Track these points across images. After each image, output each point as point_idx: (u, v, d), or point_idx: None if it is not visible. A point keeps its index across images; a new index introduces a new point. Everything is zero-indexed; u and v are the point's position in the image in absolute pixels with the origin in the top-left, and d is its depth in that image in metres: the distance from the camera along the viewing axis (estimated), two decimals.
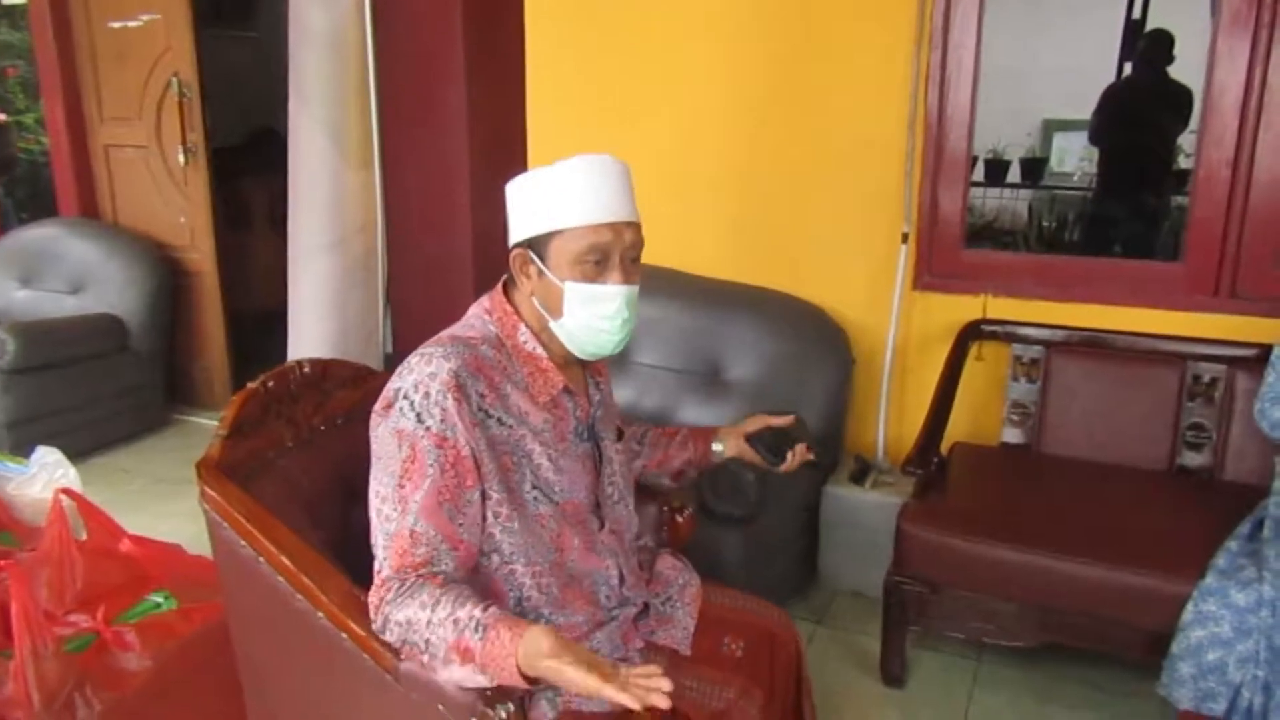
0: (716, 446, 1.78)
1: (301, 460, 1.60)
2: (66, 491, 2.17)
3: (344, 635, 1.34)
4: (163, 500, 3.50)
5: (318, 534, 1.50)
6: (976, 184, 5.01)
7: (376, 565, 1.33)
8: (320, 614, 1.36)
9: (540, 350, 1.46)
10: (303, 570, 1.37)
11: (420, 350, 1.39)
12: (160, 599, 2.08)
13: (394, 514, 1.32)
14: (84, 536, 2.14)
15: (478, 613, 1.21)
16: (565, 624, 1.46)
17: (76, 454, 2.94)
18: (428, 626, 1.23)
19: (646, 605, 1.61)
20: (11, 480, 2.43)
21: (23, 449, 2.66)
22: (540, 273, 1.41)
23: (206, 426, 4.28)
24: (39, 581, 1.97)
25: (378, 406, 1.40)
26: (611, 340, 1.44)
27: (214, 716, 1.84)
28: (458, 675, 1.24)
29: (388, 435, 1.35)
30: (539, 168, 1.43)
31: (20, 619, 1.78)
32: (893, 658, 2.48)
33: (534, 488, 1.43)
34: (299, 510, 1.52)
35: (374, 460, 1.38)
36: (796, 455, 1.73)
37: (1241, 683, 1.99)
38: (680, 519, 1.85)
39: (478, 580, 1.40)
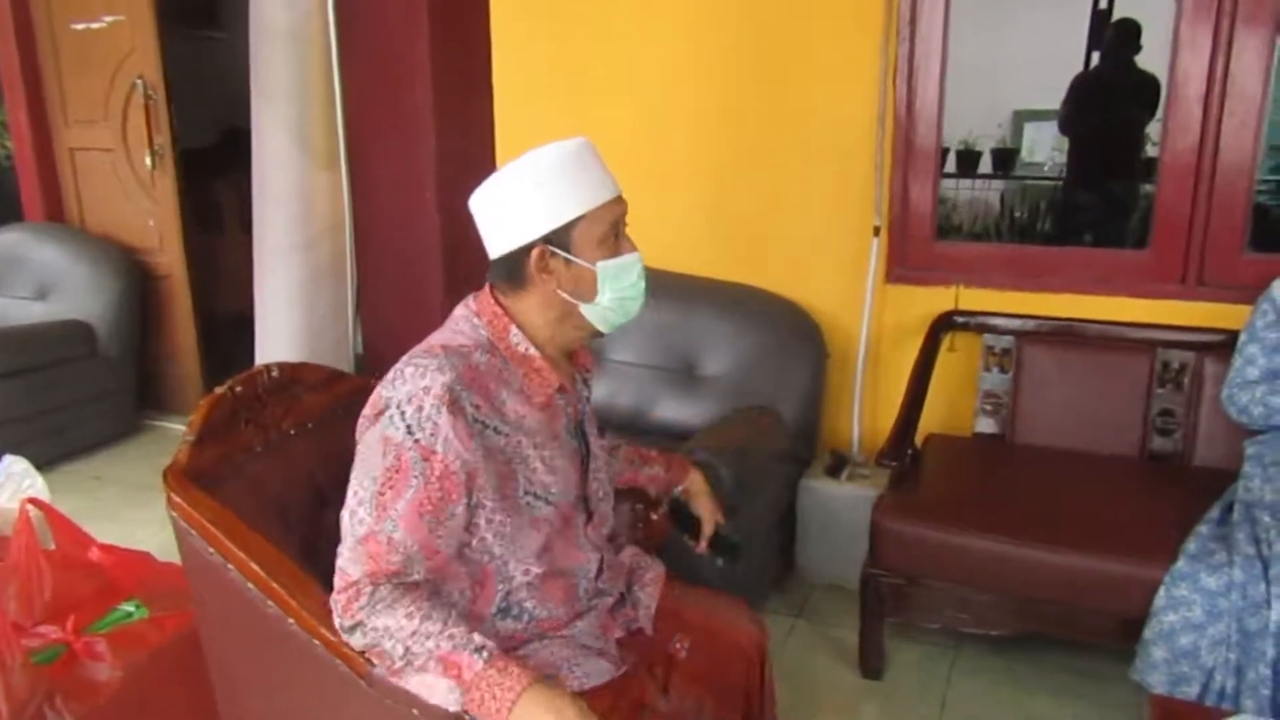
0: (678, 490, 1.84)
1: (271, 465, 1.59)
2: (33, 501, 2.13)
3: (316, 642, 1.33)
4: (135, 507, 3.46)
5: (288, 539, 1.49)
6: (948, 175, 5.06)
7: (341, 564, 1.31)
8: (291, 620, 1.34)
9: (533, 350, 1.44)
10: (273, 576, 1.36)
11: (413, 359, 1.36)
12: (131, 608, 2.05)
13: (368, 518, 1.30)
14: (52, 546, 2.11)
15: (479, 638, 1.26)
16: (548, 618, 1.47)
17: (46, 462, 2.91)
18: (412, 636, 1.25)
19: (623, 596, 1.61)
20: None
21: None
22: (568, 263, 1.40)
23: (178, 432, 4.18)
24: (6, 593, 1.94)
25: (366, 412, 1.39)
26: (638, 305, 1.48)
27: None
28: (425, 684, 1.26)
29: (374, 441, 1.33)
30: (511, 167, 1.41)
31: None
32: (871, 649, 2.49)
33: (526, 492, 1.42)
34: (269, 516, 1.51)
35: (357, 463, 1.36)
36: (701, 544, 1.81)
37: (1214, 666, 2.01)
38: (656, 517, 1.85)
39: (464, 571, 1.40)
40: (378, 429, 1.33)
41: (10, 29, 4.31)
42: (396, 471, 1.30)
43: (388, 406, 1.33)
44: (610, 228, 1.42)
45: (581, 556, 1.52)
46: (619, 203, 1.44)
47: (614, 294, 1.43)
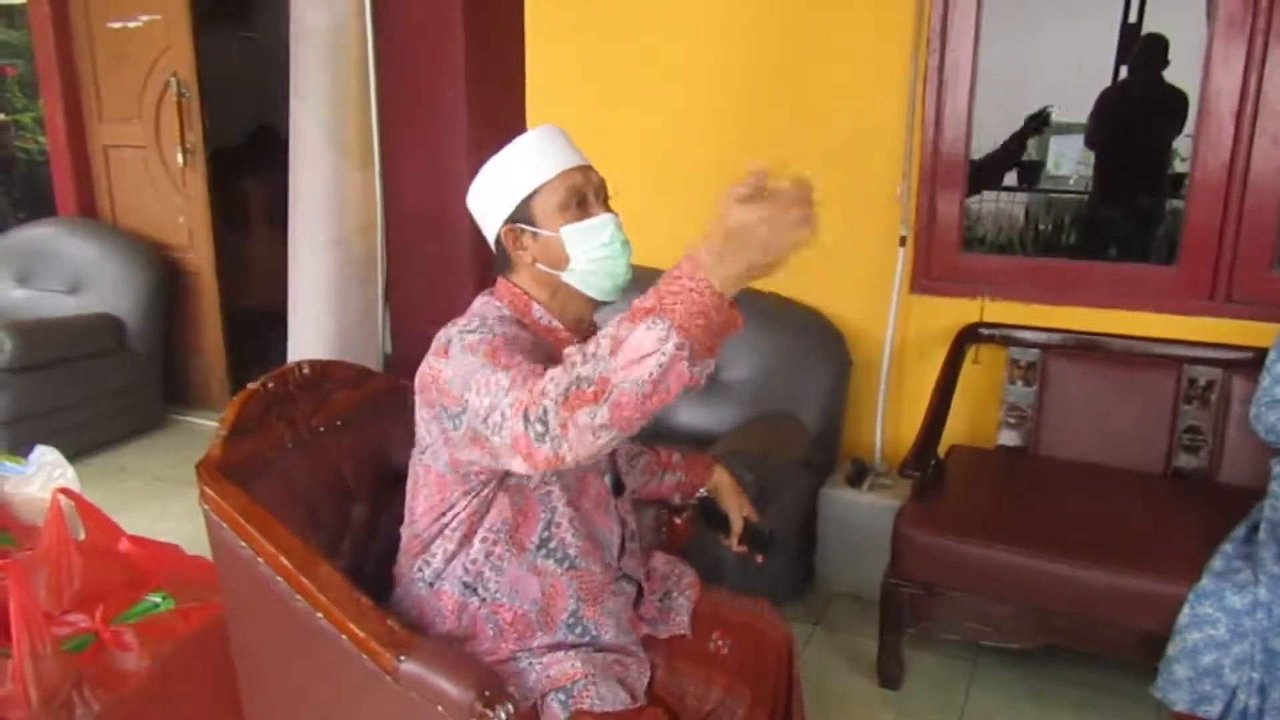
0: (703, 491, 1.83)
1: (301, 461, 1.60)
2: (65, 491, 2.17)
3: (343, 636, 1.34)
4: (160, 500, 3.50)
5: (317, 535, 1.51)
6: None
7: (511, 437, 1.17)
8: (319, 614, 1.36)
9: (556, 323, 1.49)
10: (301, 570, 1.37)
11: (453, 321, 1.42)
12: (158, 599, 2.08)
13: (498, 384, 1.22)
14: (82, 536, 2.14)
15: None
16: (585, 569, 1.49)
17: (74, 453, 2.95)
18: (581, 356, 1.14)
19: (641, 591, 1.63)
20: (9, 479, 2.43)
21: (21, 448, 2.66)
22: (535, 235, 1.46)
23: (203, 426, 4.28)
24: (37, 581, 1.97)
25: (430, 357, 1.37)
26: (621, 265, 1.47)
27: (212, 716, 1.84)
28: (632, 349, 1.11)
29: (458, 357, 1.31)
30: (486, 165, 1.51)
31: (18, 618, 1.78)
32: (889, 659, 2.48)
33: None
34: (298, 511, 1.52)
35: (450, 394, 1.30)
36: (733, 540, 1.79)
37: (1237, 685, 2.00)
38: (679, 521, 1.86)
39: (507, 500, 1.42)
40: (455, 351, 1.32)
41: (48, 27, 4.37)
42: (494, 350, 1.29)
43: (451, 339, 1.35)
44: (570, 194, 1.44)
45: (607, 523, 1.55)
46: (579, 172, 1.46)
47: (586, 256, 1.45)
